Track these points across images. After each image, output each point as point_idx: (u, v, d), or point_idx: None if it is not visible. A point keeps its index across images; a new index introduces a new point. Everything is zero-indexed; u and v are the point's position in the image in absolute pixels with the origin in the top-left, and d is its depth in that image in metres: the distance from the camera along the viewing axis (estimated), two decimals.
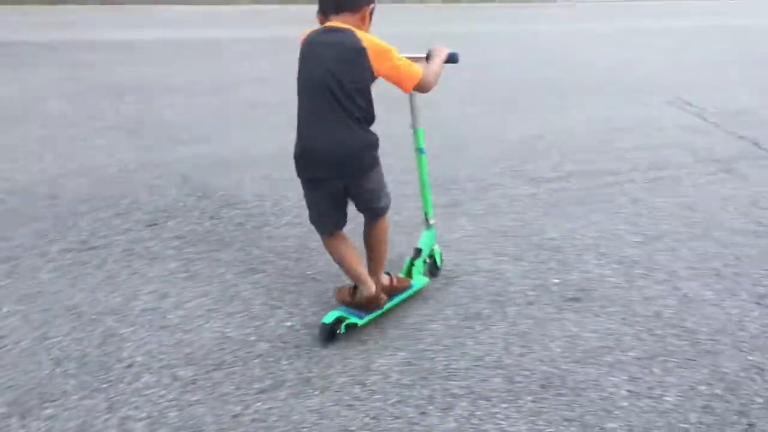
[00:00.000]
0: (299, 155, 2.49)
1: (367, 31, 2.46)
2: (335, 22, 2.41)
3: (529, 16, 10.43)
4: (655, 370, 2.49)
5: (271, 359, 2.44)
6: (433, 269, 3.06)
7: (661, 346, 2.64)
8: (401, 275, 2.89)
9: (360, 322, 2.62)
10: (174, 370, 2.36)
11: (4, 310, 2.73)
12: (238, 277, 2.99)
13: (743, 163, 4.57)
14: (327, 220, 2.58)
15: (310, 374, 2.36)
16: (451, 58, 2.68)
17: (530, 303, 2.90)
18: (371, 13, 2.49)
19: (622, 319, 2.81)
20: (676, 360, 2.55)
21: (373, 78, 2.39)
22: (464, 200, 3.81)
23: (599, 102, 5.74)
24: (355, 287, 2.65)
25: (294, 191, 3.81)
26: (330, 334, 2.54)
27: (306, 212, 2.61)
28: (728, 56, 7.87)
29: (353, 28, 2.38)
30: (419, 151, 2.90)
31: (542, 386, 2.34)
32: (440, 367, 2.42)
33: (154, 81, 5.79)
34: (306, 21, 2.79)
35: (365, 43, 2.33)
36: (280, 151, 4.38)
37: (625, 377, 2.44)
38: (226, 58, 6.70)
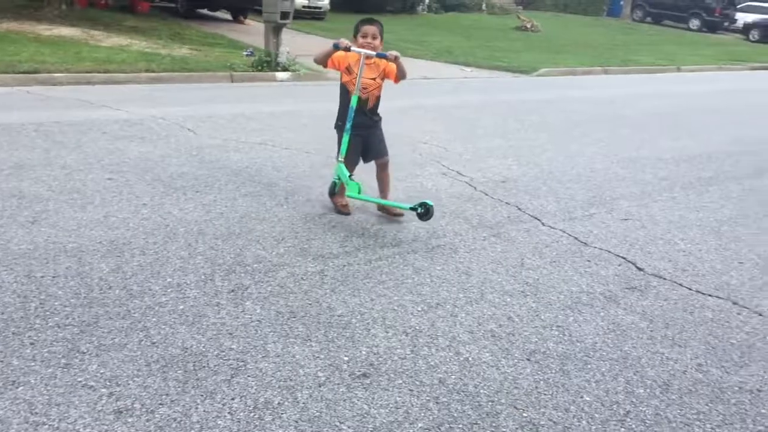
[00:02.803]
0: None
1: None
2: None
3: (300, 93, 10.76)
4: None
5: None
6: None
7: (446, 413, 2.73)
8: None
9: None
10: None
11: None
12: None
13: (510, 227, 4.97)
14: None
15: None
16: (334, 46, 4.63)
17: (321, 385, 2.87)
18: (360, 38, 4.72)
19: (410, 390, 2.87)
20: (461, 426, 2.65)
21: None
22: (250, 283, 3.73)
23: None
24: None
25: (63, 290, 3.50)
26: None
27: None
28: (496, 128, 8.65)
29: None
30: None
31: None
32: None
33: None
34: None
35: None
36: (46, 245, 4.03)
37: None
38: None
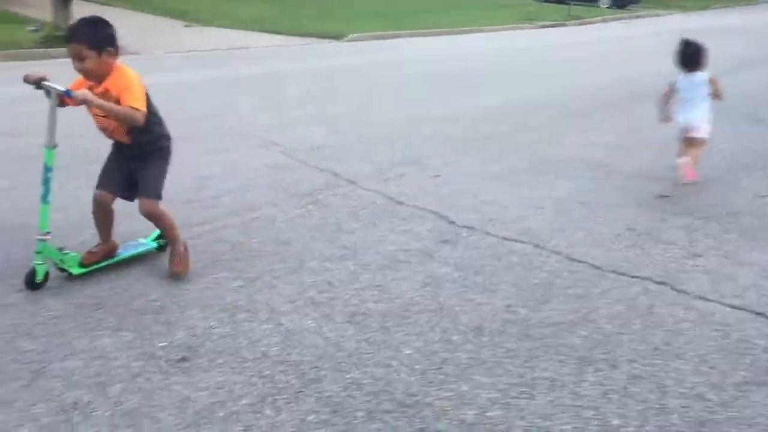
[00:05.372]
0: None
1: None
2: None
3: None
4: (268, 412, 2.53)
5: None
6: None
7: (270, 385, 2.69)
8: None
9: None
10: None
11: None
12: None
13: (326, 193, 4.99)
14: None
15: None
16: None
17: (136, 375, 2.71)
18: None
19: (232, 368, 2.80)
20: (286, 396, 2.63)
21: None
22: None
23: (188, 152, 5.75)
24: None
25: None
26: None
27: None
28: (308, 95, 8.61)
29: None
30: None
31: None
32: None
33: None
34: None
35: None
36: None
37: (239, 428, 2.43)
38: None
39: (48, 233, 3.32)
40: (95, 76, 3.23)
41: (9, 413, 2.43)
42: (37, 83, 3.22)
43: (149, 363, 2.80)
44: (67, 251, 3.42)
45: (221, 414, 2.49)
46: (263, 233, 4.20)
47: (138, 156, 3.47)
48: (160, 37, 13.46)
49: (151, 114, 3.38)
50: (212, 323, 3.14)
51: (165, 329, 3.07)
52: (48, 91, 3.22)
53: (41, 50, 10.80)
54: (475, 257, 4.00)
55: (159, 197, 3.50)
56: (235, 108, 7.61)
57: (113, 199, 3.51)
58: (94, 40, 3.18)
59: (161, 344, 2.94)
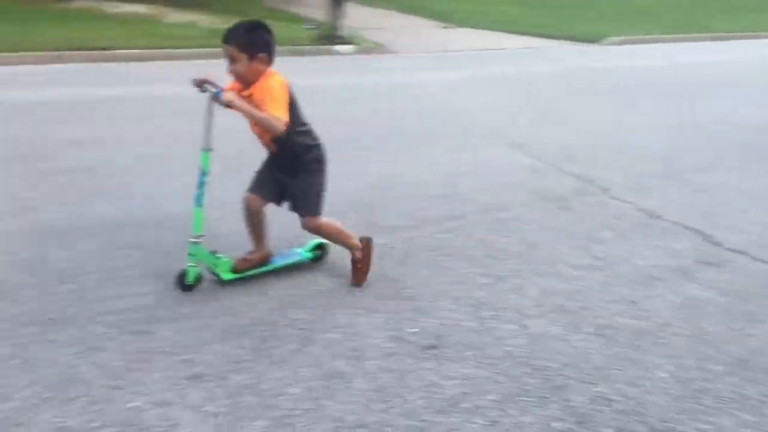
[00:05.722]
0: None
1: None
2: None
3: (364, 67, 10.73)
4: (512, 411, 2.55)
5: None
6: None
7: (515, 386, 2.71)
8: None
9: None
10: None
11: None
12: (77, 357, 2.76)
13: (577, 199, 4.87)
14: None
15: None
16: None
17: (388, 355, 2.89)
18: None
19: (478, 362, 2.86)
20: (530, 399, 2.63)
21: None
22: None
23: (441, 149, 5.96)
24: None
25: (127, 259, 3.62)
26: None
27: None
28: (562, 98, 8.48)
29: None
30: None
31: None
32: None
33: None
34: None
35: None
36: (105, 216, 4.16)
37: (484, 422, 2.48)
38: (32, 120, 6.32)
39: (201, 236, 3.29)
40: (244, 80, 3.15)
41: (283, 372, 2.72)
42: (200, 86, 3.17)
43: (401, 345, 2.96)
44: (219, 255, 3.37)
45: (467, 405, 2.56)
46: (512, 233, 4.22)
47: (286, 166, 3.35)
48: (419, 37, 14.03)
49: (296, 124, 3.22)
50: (460, 316, 3.23)
51: (415, 316, 3.22)
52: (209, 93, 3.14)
53: (314, 47, 11.79)
54: (744, 284, 3.67)
55: (315, 213, 3.36)
56: (486, 108, 7.71)
57: (263, 204, 3.42)
58: (247, 44, 3.09)
59: (412, 330, 3.09)
